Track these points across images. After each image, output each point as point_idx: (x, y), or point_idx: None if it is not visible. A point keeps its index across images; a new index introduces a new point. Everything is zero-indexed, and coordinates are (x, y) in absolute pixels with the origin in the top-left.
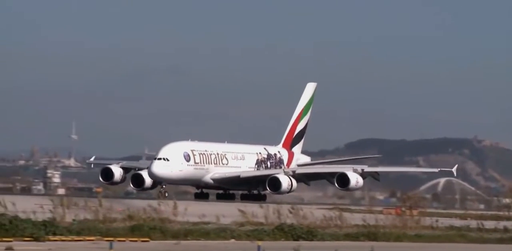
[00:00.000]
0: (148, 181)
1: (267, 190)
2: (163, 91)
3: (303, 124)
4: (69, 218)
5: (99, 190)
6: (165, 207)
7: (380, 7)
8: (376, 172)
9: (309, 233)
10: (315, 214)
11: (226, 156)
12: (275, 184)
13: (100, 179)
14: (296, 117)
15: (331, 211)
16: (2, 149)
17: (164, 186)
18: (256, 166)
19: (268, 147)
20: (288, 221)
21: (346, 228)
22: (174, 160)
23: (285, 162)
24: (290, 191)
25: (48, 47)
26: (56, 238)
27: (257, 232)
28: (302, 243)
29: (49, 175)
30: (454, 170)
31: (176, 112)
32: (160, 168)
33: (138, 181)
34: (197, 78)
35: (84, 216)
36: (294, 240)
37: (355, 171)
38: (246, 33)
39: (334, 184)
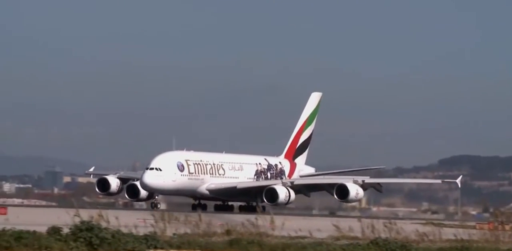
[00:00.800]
0: (143, 191)
1: (264, 201)
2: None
3: (307, 135)
4: (169, 232)
5: None
6: (263, 222)
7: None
8: (378, 183)
9: (403, 247)
10: (408, 228)
11: (223, 166)
12: (272, 195)
13: (96, 189)
14: (299, 127)
15: (424, 226)
16: (105, 165)
17: (156, 197)
18: (256, 176)
19: (268, 158)
20: (383, 236)
21: (440, 243)
22: (166, 170)
23: (287, 172)
24: (288, 202)
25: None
26: None
27: (352, 246)
28: None
29: None
30: (458, 181)
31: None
32: (152, 178)
33: (133, 191)
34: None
35: (184, 230)
36: None
37: (355, 182)
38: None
39: (333, 195)
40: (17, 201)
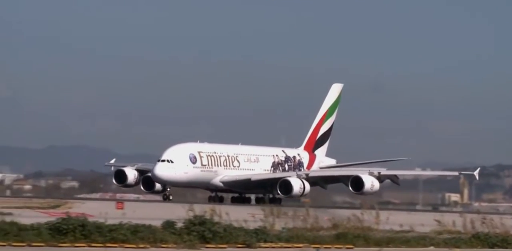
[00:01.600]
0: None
1: (279, 193)
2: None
3: (327, 127)
4: (278, 226)
5: (307, 200)
6: (368, 217)
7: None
8: (395, 175)
9: (503, 241)
10: (509, 223)
11: (237, 158)
12: (286, 187)
13: (114, 181)
14: (319, 119)
15: None
16: None
17: (168, 189)
18: (272, 168)
19: (286, 149)
20: (484, 230)
21: None
22: (178, 162)
23: (305, 164)
24: (302, 194)
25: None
26: (267, 245)
27: (455, 240)
28: (497, 250)
29: None
30: (476, 173)
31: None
32: (163, 170)
33: (148, 183)
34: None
35: (292, 225)
36: (490, 247)
37: (371, 174)
38: None
39: (349, 188)
40: (133, 196)
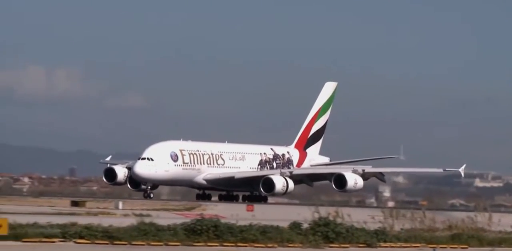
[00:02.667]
0: None
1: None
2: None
3: (320, 125)
4: (397, 227)
5: (424, 203)
6: (482, 218)
7: None
8: (380, 173)
9: None
10: None
11: (222, 156)
12: (269, 185)
13: (104, 179)
14: (311, 117)
15: None
16: None
17: (149, 187)
18: (259, 166)
19: (275, 147)
20: None
21: None
22: (159, 160)
23: (295, 162)
24: (285, 192)
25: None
26: (387, 244)
27: None
28: None
29: (380, 190)
30: (461, 170)
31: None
32: (143, 168)
33: (135, 181)
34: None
35: (410, 226)
36: None
37: (354, 171)
38: None
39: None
40: None
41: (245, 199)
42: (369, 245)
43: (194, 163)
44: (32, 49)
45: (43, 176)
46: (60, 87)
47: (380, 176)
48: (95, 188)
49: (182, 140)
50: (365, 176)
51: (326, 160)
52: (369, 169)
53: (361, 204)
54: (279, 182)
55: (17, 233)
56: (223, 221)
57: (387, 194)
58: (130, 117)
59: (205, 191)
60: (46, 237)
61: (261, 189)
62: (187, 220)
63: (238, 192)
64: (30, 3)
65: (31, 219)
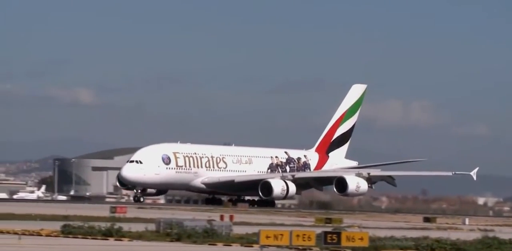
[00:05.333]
0: None
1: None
2: None
3: (346, 128)
4: None
5: None
6: None
7: None
8: (389, 176)
9: None
10: None
11: (224, 159)
12: (267, 188)
13: (117, 184)
14: (335, 120)
15: None
16: None
17: (138, 191)
18: (269, 170)
19: (290, 151)
20: None
21: None
22: (148, 163)
23: (313, 166)
24: (285, 196)
25: None
26: None
27: None
28: None
29: None
30: (473, 173)
31: None
32: (130, 171)
33: None
34: None
35: None
36: None
37: (358, 175)
38: None
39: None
40: None
41: (253, 203)
42: None
43: (189, 166)
44: None
45: (399, 196)
46: None
47: (390, 180)
48: (444, 205)
49: (180, 142)
50: (371, 179)
51: (353, 163)
52: (376, 172)
53: None
54: (278, 186)
55: (376, 245)
56: None
57: None
58: None
59: (215, 195)
60: (401, 249)
61: (260, 193)
62: None
63: (249, 196)
64: None
65: (388, 233)
